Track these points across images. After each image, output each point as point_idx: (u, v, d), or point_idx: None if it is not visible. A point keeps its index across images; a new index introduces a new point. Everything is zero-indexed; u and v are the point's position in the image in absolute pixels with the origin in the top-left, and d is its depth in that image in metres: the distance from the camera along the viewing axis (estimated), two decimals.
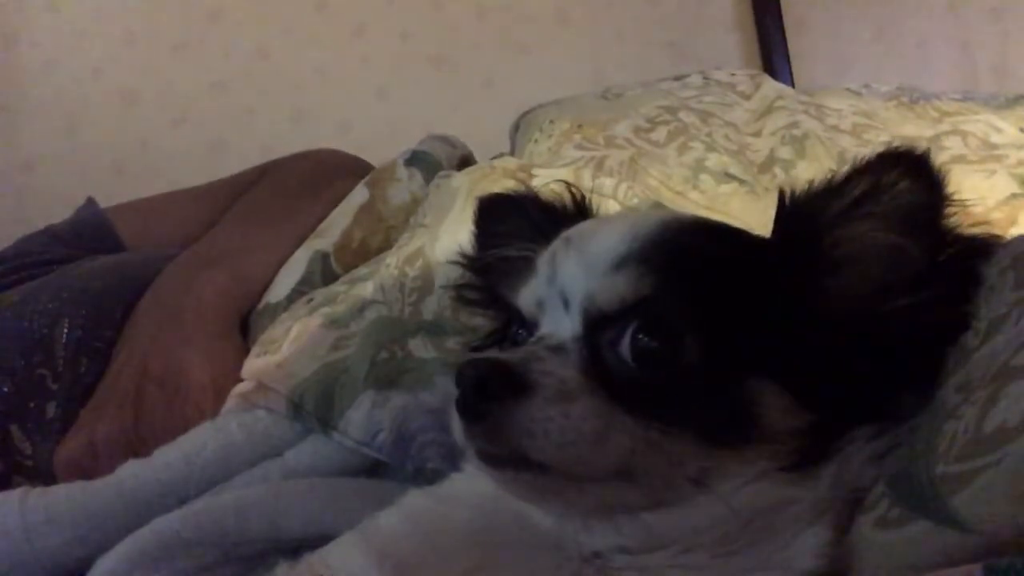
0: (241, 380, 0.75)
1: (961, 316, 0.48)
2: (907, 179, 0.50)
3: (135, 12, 1.84)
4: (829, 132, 0.89)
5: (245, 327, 0.85)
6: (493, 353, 0.53)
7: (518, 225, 0.59)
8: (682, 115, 0.90)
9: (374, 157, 1.10)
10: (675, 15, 1.83)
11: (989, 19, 1.80)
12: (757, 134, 0.89)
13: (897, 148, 0.51)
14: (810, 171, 0.84)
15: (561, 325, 0.49)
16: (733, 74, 1.03)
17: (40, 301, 0.86)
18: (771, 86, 0.99)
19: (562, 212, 0.59)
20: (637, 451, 0.45)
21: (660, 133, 0.84)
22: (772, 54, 1.76)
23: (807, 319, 0.48)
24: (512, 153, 0.99)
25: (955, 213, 0.50)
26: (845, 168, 0.52)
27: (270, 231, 0.93)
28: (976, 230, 0.51)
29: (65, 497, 0.67)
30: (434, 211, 0.80)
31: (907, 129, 0.94)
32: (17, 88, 1.81)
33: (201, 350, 0.78)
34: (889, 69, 1.76)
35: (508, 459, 0.45)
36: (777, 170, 0.84)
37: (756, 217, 0.69)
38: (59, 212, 1.13)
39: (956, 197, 0.51)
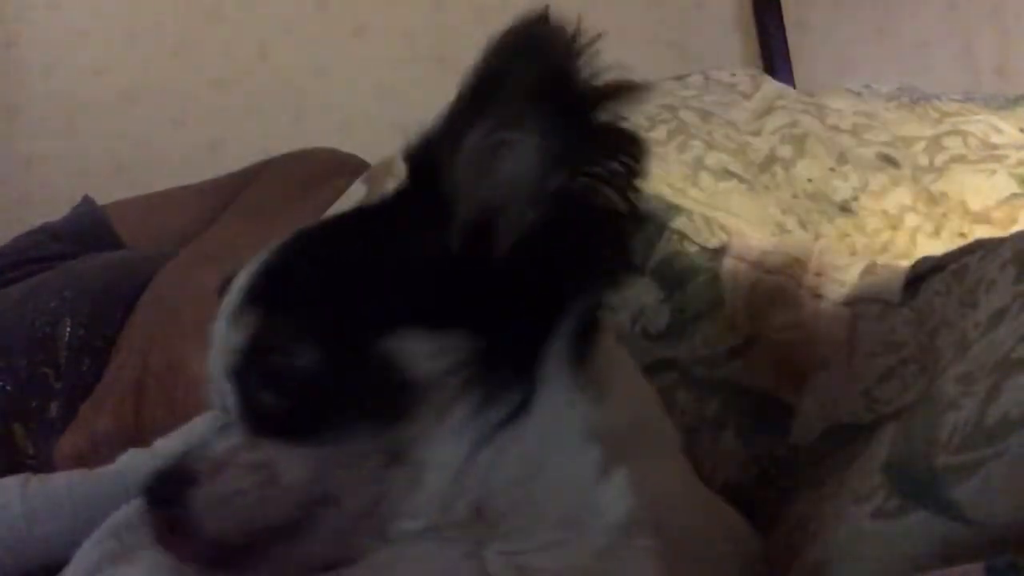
0: None
1: (627, 179, 0.46)
2: (520, 60, 0.46)
3: (135, 12, 1.83)
4: (829, 132, 0.89)
5: None
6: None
7: None
8: (682, 114, 0.89)
9: (374, 157, 1.10)
10: (675, 15, 1.83)
11: (989, 19, 1.80)
12: (757, 133, 0.89)
13: (507, 30, 0.47)
14: (810, 170, 0.84)
15: (228, 394, 0.47)
16: (734, 74, 1.03)
17: (41, 300, 0.86)
18: (771, 86, 0.99)
19: None
20: (322, 478, 0.44)
21: (660, 131, 0.84)
22: (772, 54, 1.76)
23: (448, 256, 0.46)
24: None
25: (589, 71, 0.46)
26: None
27: (269, 227, 0.93)
28: (610, 78, 0.47)
29: (66, 484, 0.68)
30: None
31: (907, 129, 0.94)
32: (17, 88, 1.81)
33: (200, 344, 0.79)
34: (889, 69, 1.76)
35: (214, 557, 0.44)
36: (777, 169, 0.84)
37: (756, 214, 0.69)
38: (59, 211, 1.13)
39: (589, 49, 0.47)
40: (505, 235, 0.46)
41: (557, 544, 0.44)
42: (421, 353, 0.45)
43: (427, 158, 0.48)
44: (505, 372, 0.45)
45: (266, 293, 0.47)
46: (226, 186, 1.07)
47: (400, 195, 0.50)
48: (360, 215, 0.54)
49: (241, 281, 0.48)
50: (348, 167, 1.05)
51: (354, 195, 0.93)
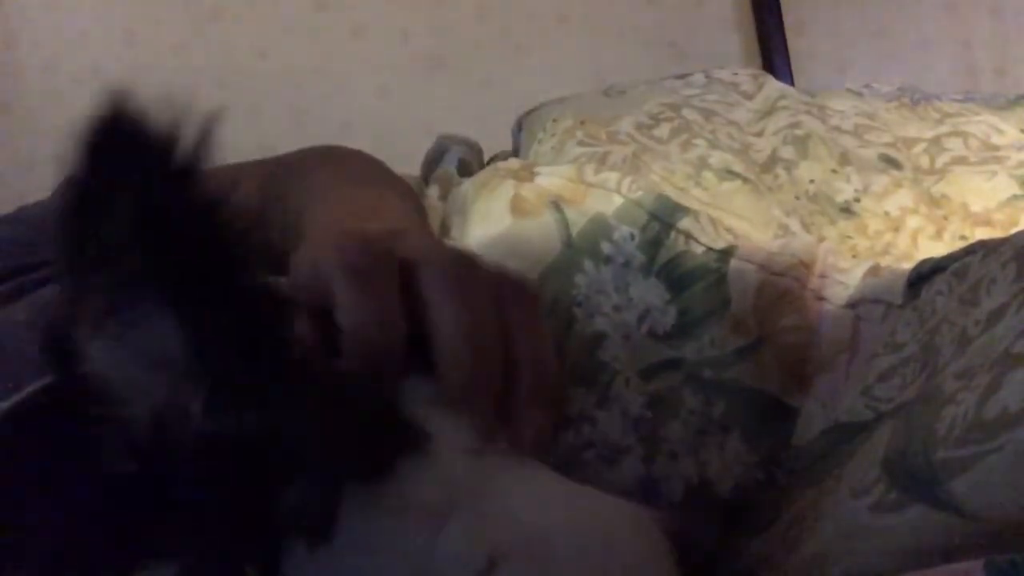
0: None
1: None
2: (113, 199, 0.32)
3: (135, 12, 1.84)
4: (831, 132, 0.90)
5: None
6: None
7: None
8: (685, 112, 0.90)
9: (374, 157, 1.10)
10: (675, 15, 1.83)
11: (989, 19, 1.80)
12: (759, 134, 0.89)
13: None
14: (812, 171, 0.84)
15: None
16: (736, 73, 1.03)
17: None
18: (773, 86, 0.99)
19: None
20: None
21: (663, 130, 0.84)
22: (772, 54, 1.76)
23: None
24: (516, 154, 0.99)
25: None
26: None
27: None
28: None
29: None
30: (455, 221, 0.80)
31: (908, 130, 0.94)
32: (17, 88, 1.81)
33: None
34: (889, 69, 1.76)
35: None
36: (779, 170, 0.84)
37: (760, 216, 0.69)
38: None
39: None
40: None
41: None
42: None
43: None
44: None
45: None
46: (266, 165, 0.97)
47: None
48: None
49: None
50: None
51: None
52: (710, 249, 0.66)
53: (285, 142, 1.26)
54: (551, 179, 0.71)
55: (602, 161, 0.83)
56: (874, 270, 0.65)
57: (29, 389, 0.37)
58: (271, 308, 0.34)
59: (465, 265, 0.49)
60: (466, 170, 0.94)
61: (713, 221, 0.67)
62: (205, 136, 0.33)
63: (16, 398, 0.38)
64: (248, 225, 0.33)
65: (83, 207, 0.33)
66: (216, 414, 0.32)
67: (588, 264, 0.65)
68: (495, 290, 0.48)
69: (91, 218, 0.32)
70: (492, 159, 1.01)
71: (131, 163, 0.32)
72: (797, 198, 0.82)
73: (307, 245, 0.51)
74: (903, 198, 0.84)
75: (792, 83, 1.58)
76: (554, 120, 0.94)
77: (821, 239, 0.78)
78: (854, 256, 0.75)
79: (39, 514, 0.33)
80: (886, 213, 0.83)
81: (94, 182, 0.33)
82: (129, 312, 0.32)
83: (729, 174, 0.81)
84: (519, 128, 1.01)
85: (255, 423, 0.33)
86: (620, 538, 0.38)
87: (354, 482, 0.34)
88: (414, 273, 0.47)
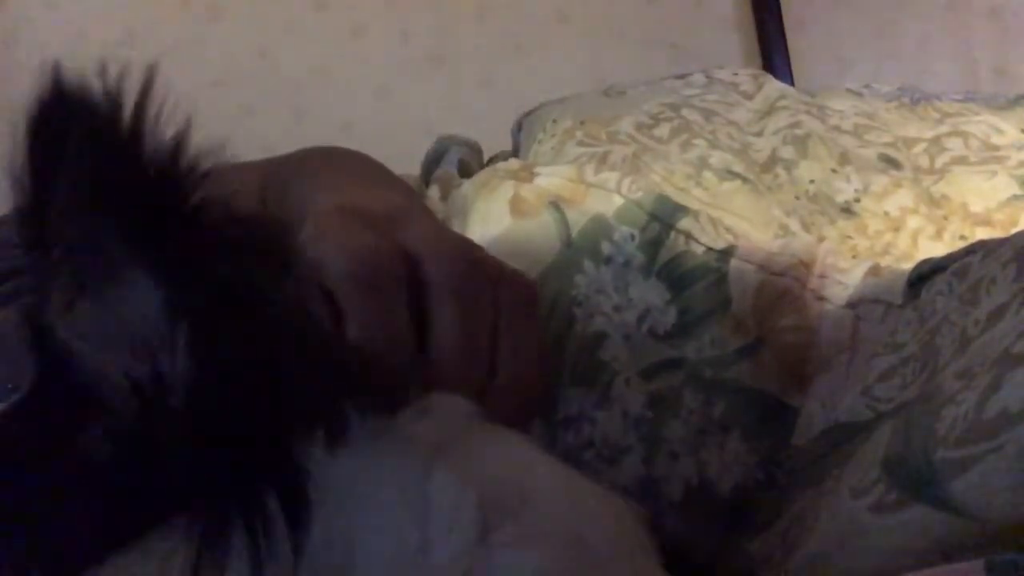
0: None
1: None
2: (71, 166, 0.31)
3: (135, 12, 1.83)
4: (831, 132, 0.90)
5: None
6: None
7: None
8: (685, 112, 0.90)
9: (374, 157, 1.10)
10: (675, 15, 1.83)
11: (989, 19, 1.80)
12: (759, 134, 0.89)
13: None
14: (812, 171, 0.84)
15: None
16: (736, 73, 1.03)
17: None
18: (773, 86, 0.99)
19: None
20: None
21: (663, 130, 0.84)
22: (772, 54, 1.76)
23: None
24: (516, 154, 0.99)
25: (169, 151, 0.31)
26: None
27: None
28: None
29: None
30: (455, 222, 0.80)
31: (908, 130, 0.94)
32: (17, 88, 1.81)
33: None
34: (889, 69, 1.76)
35: None
36: (779, 169, 0.84)
37: (760, 216, 0.69)
38: None
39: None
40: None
41: None
42: None
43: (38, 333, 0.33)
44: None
45: None
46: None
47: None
48: None
49: None
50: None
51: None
52: (710, 249, 0.66)
53: (285, 142, 1.26)
54: (551, 179, 0.71)
55: (602, 161, 0.83)
56: (874, 270, 0.65)
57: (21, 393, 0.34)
58: (252, 255, 0.32)
59: (465, 259, 0.50)
60: (466, 171, 0.94)
61: (713, 221, 0.67)
62: (145, 91, 0.32)
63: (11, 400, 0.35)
64: (205, 171, 0.32)
65: (35, 184, 0.32)
66: (204, 358, 0.31)
67: (588, 264, 0.65)
68: (492, 285, 0.49)
69: (44, 193, 0.31)
70: (492, 159, 1.01)
71: (77, 131, 0.31)
72: (797, 198, 0.82)
73: (310, 223, 0.50)
74: (903, 198, 0.84)
75: (792, 83, 1.58)
76: (554, 120, 0.94)
77: (821, 239, 0.78)
78: (854, 256, 0.75)
79: (29, 505, 0.32)
80: (886, 213, 0.83)
81: (42, 156, 0.31)
82: (98, 284, 0.31)
83: (729, 174, 0.81)
84: (519, 128, 1.01)
85: (246, 361, 0.31)
86: (596, 504, 0.38)
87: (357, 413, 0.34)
88: (418, 267, 0.48)
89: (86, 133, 0.30)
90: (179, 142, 0.31)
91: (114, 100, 0.31)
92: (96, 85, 0.32)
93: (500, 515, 0.34)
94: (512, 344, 0.49)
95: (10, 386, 0.37)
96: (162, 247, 0.30)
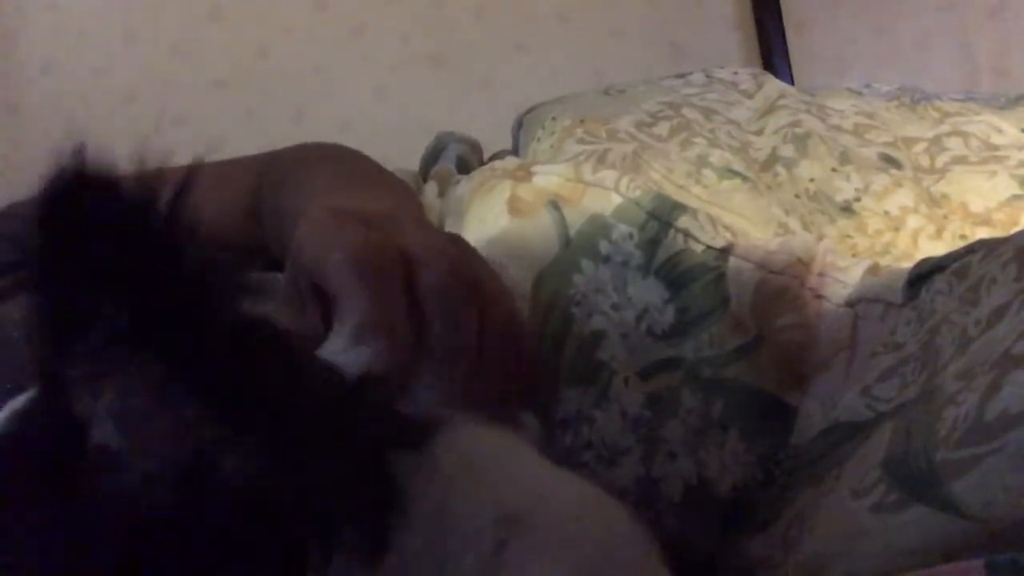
0: None
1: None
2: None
3: (135, 12, 1.83)
4: (831, 131, 0.90)
5: None
6: None
7: None
8: (684, 111, 0.90)
9: (374, 157, 1.10)
10: (675, 15, 1.83)
11: (989, 19, 1.80)
12: (759, 132, 0.89)
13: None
14: (812, 170, 0.84)
15: None
16: (736, 72, 1.03)
17: None
18: (773, 85, 0.99)
19: None
20: None
21: (663, 128, 0.84)
22: (772, 54, 1.76)
23: None
24: (515, 153, 0.99)
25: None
26: None
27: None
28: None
29: None
30: (451, 221, 0.80)
31: (909, 129, 0.94)
32: (17, 88, 1.81)
33: None
34: (889, 69, 1.76)
35: None
36: (779, 168, 0.84)
37: (760, 214, 0.69)
38: None
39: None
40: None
41: None
42: None
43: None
44: None
45: None
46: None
47: None
48: None
49: None
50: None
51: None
52: (709, 247, 0.65)
53: (285, 142, 1.26)
54: (548, 178, 0.71)
55: (601, 159, 0.83)
56: (873, 269, 0.64)
57: (15, 407, 0.34)
58: (276, 344, 0.32)
59: (456, 265, 0.51)
60: (465, 167, 0.94)
61: (712, 219, 0.67)
62: (180, 195, 0.30)
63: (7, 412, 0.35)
64: (232, 267, 0.31)
65: (58, 272, 0.31)
66: (246, 460, 0.30)
67: (586, 263, 0.65)
68: (481, 288, 0.51)
69: (69, 281, 0.31)
70: (492, 158, 1.01)
71: (107, 223, 0.30)
72: (797, 197, 0.82)
73: (305, 222, 0.51)
74: (903, 197, 0.84)
75: (792, 83, 1.58)
76: (553, 118, 0.94)
77: (821, 238, 0.78)
78: (854, 255, 0.75)
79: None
80: (886, 212, 0.83)
81: (66, 245, 0.30)
82: (126, 377, 0.30)
83: (729, 172, 0.81)
84: (519, 126, 1.01)
85: (274, 468, 0.31)
86: (611, 515, 0.38)
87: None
88: (412, 271, 0.49)
89: (123, 230, 0.29)
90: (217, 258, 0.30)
91: (147, 201, 0.30)
92: (122, 172, 0.30)
93: (515, 529, 0.34)
94: (498, 339, 0.51)
95: (10, 385, 0.37)
96: (206, 372, 0.30)
